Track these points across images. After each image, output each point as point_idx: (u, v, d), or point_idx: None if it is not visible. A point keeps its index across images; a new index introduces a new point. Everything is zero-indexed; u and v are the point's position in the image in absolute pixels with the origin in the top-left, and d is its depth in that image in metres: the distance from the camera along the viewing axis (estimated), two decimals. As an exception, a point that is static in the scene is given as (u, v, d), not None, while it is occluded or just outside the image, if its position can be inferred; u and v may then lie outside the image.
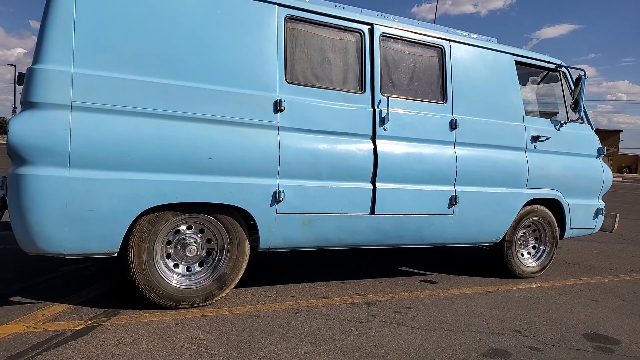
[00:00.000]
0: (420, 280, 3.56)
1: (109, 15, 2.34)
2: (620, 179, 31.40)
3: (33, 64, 2.24)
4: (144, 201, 2.37)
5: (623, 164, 52.83)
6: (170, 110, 2.42)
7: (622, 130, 53.61)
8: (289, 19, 2.77)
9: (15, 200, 2.19)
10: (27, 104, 2.21)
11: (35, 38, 2.37)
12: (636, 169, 53.35)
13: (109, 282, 3.03)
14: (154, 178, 2.37)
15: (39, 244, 2.24)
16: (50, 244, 2.26)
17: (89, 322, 2.36)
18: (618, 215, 4.16)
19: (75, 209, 2.25)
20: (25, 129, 2.15)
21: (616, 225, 4.12)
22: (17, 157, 2.17)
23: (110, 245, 2.37)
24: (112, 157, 2.29)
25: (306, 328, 2.46)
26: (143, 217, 2.44)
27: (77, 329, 2.27)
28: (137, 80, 2.37)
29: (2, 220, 2.62)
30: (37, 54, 2.24)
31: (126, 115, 2.34)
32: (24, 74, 2.31)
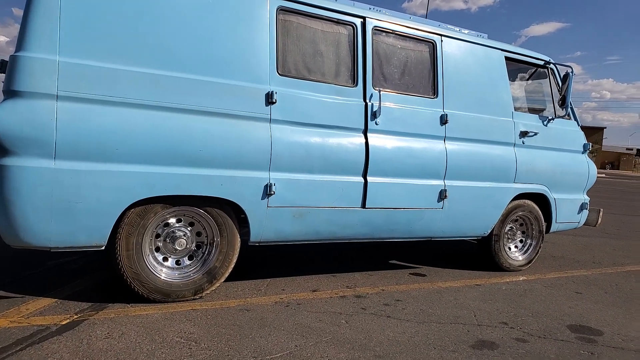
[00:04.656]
0: (410, 274, 3.59)
1: (96, 2, 2.28)
2: (603, 175, 32.12)
3: (16, 52, 2.18)
4: (133, 193, 2.33)
5: (606, 161, 54.02)
6: (160, 101, 2.38)
7: (605, 128, 54.82)
8: (281, 10, 2.74)
9: (-1, 192, 2.13)
10: (10, 93, 2.15)
11: (18, 26, 2.30)
12: (618, 165, 54.62)
13: (96, 276, 2.99)
14: (143, 170, 2.33)
15: (24, 237, 2.19)
16: (35, 237, 2.21)
17: (76, 316, 2.33)
18: (602, 209, 4.26)
19: (61, 201, 2.20)
20: (8, 118, 2.09)
21: (600, 219, 4.21)
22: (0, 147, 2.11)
23: (97, 238, 2.33)
24: (100, 148, 2.24)
25: (297, 321, 2.46)
26: (131, 210, 2.40)
27: (63, 323, 2.23)
28: (126, 70, 2.32)
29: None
30: (21, 42, 2.18)
31: (115, 106, 2.29)
32: (7, 61, 2.24)
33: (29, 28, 2.17)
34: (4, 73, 2.23)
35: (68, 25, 2.22)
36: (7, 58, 2.28)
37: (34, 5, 2.18)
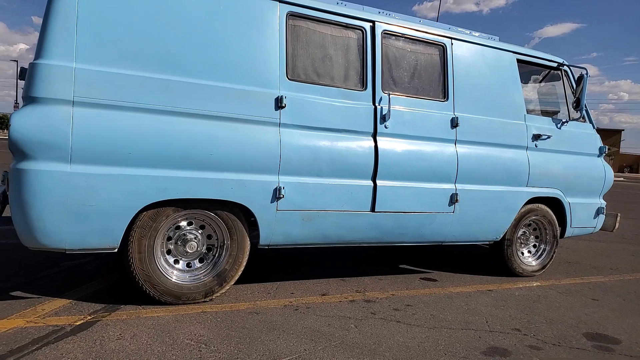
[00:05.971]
0: (420, 278, 3.56)
1: (110, 10, 2.34)
2: (622, 179, 31.37)
3: (35, 59, 2.24)
4: (145, 197, 2.37)
5: (624, 164, 52.80)
6: (171, 106, 2.42)
7: (623, 130, 53.60)
8: (291, 15, 2.77)
9: (17, 195, 2.20)
10: (29, 99, 2.22)
11: (37, 34, 2.37)
12: (637, 169, 53.29)
13: (109, 278, 3.04)
14: (155, 174, 2.38)
15: (40, 239, 2.25)
16: (51, 239, 2.26)
17: (89, 317, 2.37)
18: (619, 214, 4.16)
19: (76, 204, 2.25)
20: (27, 123, 2.15)
21: (617, 224, 4.11)
22: (18, 151, 2.18)
23: (110, 240, 2.38)
24: (114, 153, 2.29)
25: (306, 325, 2.46)
26: (144, 213, 2.44)
27: (77, 324, 2.28)
28: (139, 75, 2.37)
29: (3, 215, 2.63)
30: (39, 50, 2.25)
31: (128, 111, 2.34)
32: (26, 69, 2.31)
33: (47, 36, 2.24)
34: (24, 80, 2.31)
35: (84, 33, 2.28)
36: (26, 65, 2.35)
37: (52, 15, 2.25)
